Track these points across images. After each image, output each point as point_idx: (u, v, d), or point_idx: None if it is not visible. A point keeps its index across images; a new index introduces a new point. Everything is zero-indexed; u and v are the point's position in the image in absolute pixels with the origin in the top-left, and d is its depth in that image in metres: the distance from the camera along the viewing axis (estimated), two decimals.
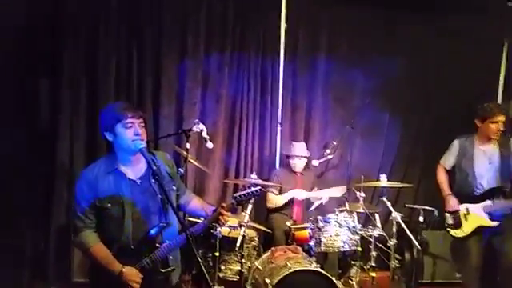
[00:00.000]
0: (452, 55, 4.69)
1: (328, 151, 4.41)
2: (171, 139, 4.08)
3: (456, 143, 3.61)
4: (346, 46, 4.70)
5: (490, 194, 3.39)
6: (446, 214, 3.52)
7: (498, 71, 4.95)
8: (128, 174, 2.17)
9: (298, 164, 4.20)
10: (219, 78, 4.39)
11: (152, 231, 2.17)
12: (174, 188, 2.31)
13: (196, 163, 3.80)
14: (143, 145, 2.12)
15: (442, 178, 3.66)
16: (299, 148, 4.24)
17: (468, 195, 3.45)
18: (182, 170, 3.60)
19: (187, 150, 3.59)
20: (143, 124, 2.18)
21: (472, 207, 3.41)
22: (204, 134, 3.64)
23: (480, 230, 3.40)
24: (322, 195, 3.96)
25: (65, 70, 3.95)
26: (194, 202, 2.45)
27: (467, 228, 3.41)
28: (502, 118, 3.35)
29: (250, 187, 2.39)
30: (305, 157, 4.24)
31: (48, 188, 3.93)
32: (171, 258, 2.22)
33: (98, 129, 3.82)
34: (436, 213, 3.75)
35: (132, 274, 2.10)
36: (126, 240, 2.13)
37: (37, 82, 3.92)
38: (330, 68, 4.65)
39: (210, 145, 3.70)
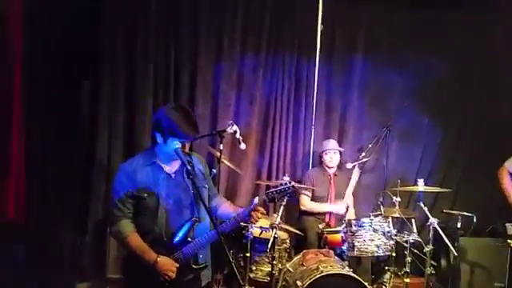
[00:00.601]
0: (490, 55, 4.51)
1: (363, 154, 4.35)
2: (205, 140, 4.14)
3: None
4: (383, 46, 4.61)
5: None
6: (508, 225, 3.35)
7: None
8: (165, 168, 2.26)
9: (332, 159, 4.16)
10: (254, 80, 4.41)
11: (185, 225, 2.23)
12: (206, 187, 2.38)
13: (229, 164, 3.84)
14: (178, 145, 2.18)
15: (508, 182, 3.45)
16: (332, 142, 4.23)
17: None
18: (214, 171, 3.65)
19: (220, 151, 3.64)
20: None
21: None
22: (237, 135, 3.67)
23: None
24: (349, 191, 3.88)
25: (105, 70, 4.09)
26: (225, 206, 2.48)
27: None
28: None
29: (281, 184, 2.39)
30: (338, 151, 4.20)
31: (86, 186, 4.08)
32: (201, 256, 2.27)
33: (135, 128, 4.05)
34: (474, 219, 3.59)
35: (167, 263, 2.16)
36: (159, 231, 2.20)
37: (78, 82, 4.07)
38: (366, 69, 4.57)
39: (243, 146, 3.72)
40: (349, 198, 4.21)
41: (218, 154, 3.66)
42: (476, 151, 4.58)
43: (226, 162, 3.80)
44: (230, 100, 4.37)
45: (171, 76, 4.24)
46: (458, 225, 3.61)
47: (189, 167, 2.14)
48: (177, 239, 2.22)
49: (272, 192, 2.37)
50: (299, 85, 4.54)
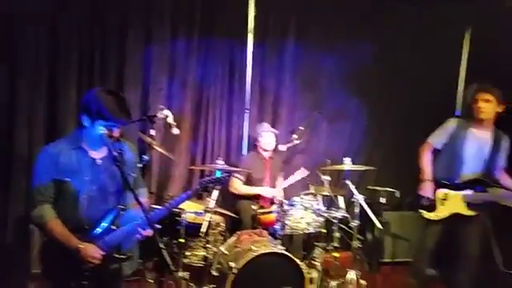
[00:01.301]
0: (417, 44, 4.81)
1: (295, 136, 4.48)
2: (136, 126, 4.02)
3: (453, 121, 3.44)
4: (315, 31, 4.72)
5: (473, 183, 3.31)
6: (421, 196, 3.43)
7: (460, 60, 5.11)
8: (91, 153, 2.20)
9: (270, 142, 4.22)
10: (186, 64, 4.33)
11: (109, 213, 2.19)
12: (134, 175, 2.33)
13: (161, 150, 3.78)
14: (104, 131, 2.12)
15: (426, 159, 3.48)
16: (266, 125, 4.29)
17: (450, 180, 3.36)
18: (146, 157, 3.57)
19: (152, 137, 3.57)
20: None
21: (452, 193, 3.34)
22: (169, 120, 3.62)
23: (452, 217, 3.35)
24: (288, 183, 3.99)
25: (23, 57, 3.80)
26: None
27: (442, 212, 3.35)
28: (485, 96, 3.21)
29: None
30: (274, 134, 4.26)
31: (5, 179, 3.81)
32: (125, 246, 2.24)
33: (57, 117, 3.83)
34: (397, 194, 3.85)
35: (91, 249, 2.10)
36: (80, 218, 2.14)
37: None
38: (298, 53, 4.67)
39: (175, 131, 3.68)
40: (279, 181, 4.34)
41: (150, 139, 3.58)
42: (398, 132, 4.90)
43: (157, 148, 3.73)
44: (162, 84, 4.27)
45: (96, 62, 4.03)
46: (382, 200, 3.84)
47: (115, 154, 2.08)
48: (100, 228, 2.17)
49: (205, 181, 2.38)
50: (232, 69, 4.54)
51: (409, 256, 4.16)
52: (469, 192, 3.31)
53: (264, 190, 4.12)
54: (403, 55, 4.89)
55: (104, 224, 2.18)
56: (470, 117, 3.35)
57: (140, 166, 2.56)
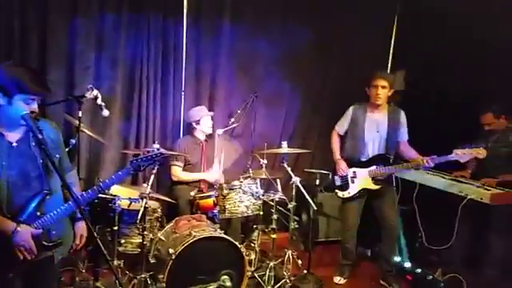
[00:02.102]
0: (350, 27, 4.94)
1: (232, 120, 4.44)
2: (61, 107, 3.73)
3: (350, 109, 3.80)
4: (250, 12, 4.64)
5: (375, 160, 3.67)
6: (335, 177, 3.79)
7: (389, 44, 5.36)
8: (6, 136, 2.00)
9: (208, 126, 4.14)
10: (115, 40, 4.06)
11: (33, 199, 2.02)
12: (58, 156, 2.16)
13: (90, 133, 3.53)
14: (26, 111, 1.94)
15: (335, 142, 3.88)
16: (201, 109, 4.18)
17: (356, 160, 3.71)
18: (73, 141, 3.35)
19: (79, 119, 3.32)
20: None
21: (359, 171, 3.70)
22: (99, 101, 3.39)
23: (364, 193, 3.72)
24: (227, 163, 3.96)
25: None
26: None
27: (353, 190, 3.71)
28: (381, 82, 3.54)
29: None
30: (211, 116, 4.18)
31: None
32: (54, 232, 2.08)
33: None
34: (331, 176, 3.98)
35: (28, 234, 1.94)
36: (1, 205, 1.96)
37: None
38: (234, 34, 4.57)
39: (105, 113, 3.46)
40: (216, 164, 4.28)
41: (77, 122, 3.33)
42: (330, 115, 5.03)
43: (86, 130, 3.48)
44: (89, 62, 3.97)
45: (15, 35, 3.64)
46: (317, 182, 3.95)
47: (39, 135, 1.91)
48: (24, 215, 1.99)
49: (137, 160, 2.24)
50: (167, 48, 4.33)
51: (340, 235, 4.35)
52: (373, 168, 3.64)
53: (207, 175, 4.05)
54: (337, 40, 5.01)
55: (29, 210, 2.00)
56: (370, 100, 3.69)
57: (66, 150, 2.35)
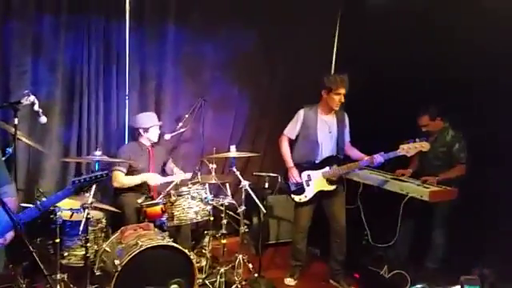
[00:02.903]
0: (294, 31, 5.03)
1: (180, 124, 4.38)
2: None
3: (301, 112, 3.80)
4: (195, 15, 4.58)
5: (328, 161, 3.73)
6: (289, 182, 3.80)
7: (332, 48, 5.52)
8: None
9: (154, 134, 4.03)
10: (54, 44, 3.87)
11: None
12: None
13: (28, 141, 3.34)
14: None
15: (286, 149, 3.87)
16: (152, 117, 4.06)
17: (310, 162, 3.75)
18: (10, 150, 3.16)
19: (15, 126, 3.14)
20: None
21: (313, 173, 3.74)
22: (36, 107, 3.24)
23: (318, 194, 3.76)
24: (174, 179, 3.87)
25: None
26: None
27: (309, 193, 3.74)
28: (343, 91, 3.59)
29: (93, 171, 2.18)
30: (159, 125, 4.09)
31: None
32: None
33: None
34: (280, 179, 4.03)
35: None
36: None
37: None
38: (179, 38, 4.50)
39: (43, 119, 3.30)
40: (172, 168, 4.22)
41: (13, 129, 3.14)
42: (279, 118, 5.10)
43: (23, 138, 3.30)
44: (26, 66, 3.76)
45: None
46: (266, 185, 3.98)
47: None
48: None
49: (79, 180, 2.15)
50: (109, 51, 4.17)
51: (290, 236, 4.42)
52: (327, 169, 3.71)
53: (150, 176, 3.90)
54: (283, 43, 5.08)
55: None
56: (325, 104, 3.73)
57: (3, 159, 2.21)
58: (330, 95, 3.63)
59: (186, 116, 4.41)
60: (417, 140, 3.46)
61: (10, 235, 2.13)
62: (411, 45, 4.33)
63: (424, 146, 3.46)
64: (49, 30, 3.84)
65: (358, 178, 4.21)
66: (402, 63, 4.35)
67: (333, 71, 5.44)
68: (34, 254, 1.91)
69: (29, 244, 1.91)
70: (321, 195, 3.78)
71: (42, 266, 1.97)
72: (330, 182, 3.73)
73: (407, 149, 3.48)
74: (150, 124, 3.99)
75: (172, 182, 3.77)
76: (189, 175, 3.93)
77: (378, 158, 3.54)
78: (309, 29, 5.08)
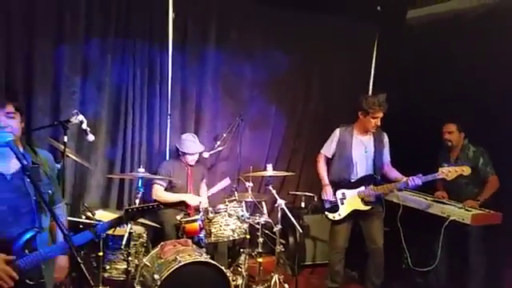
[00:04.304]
0: (332, 51, 5.08)
1: (218, 143, 4.48)
2: (47, 132, 3.70)
3: (337, 132, 3.84)
4: (234, 37, 4.73)
5: (363, 180, 3.71)
6: (324, 200, 3.80)
7: (370, 68, 5.51)
8: None
9: (194, 159, 4.16)
10: (101, 65, 4.08)
11: (22, 236, 1.96)
12: (50, 192, 2.13)
13: (75, 158, 3.52)
14: (10, 137, 1.90)
15: (322, 168, 3.90)
16: (195, 144, 4.16)
17: (345, 181, 3.74)
18: (58, 166, 3.30)
19: (65, 144, 3.30)
20: (12, 114, 1.97)
21: (348, 192, 3.73)
22: (84, 125, 3.39)
23: (353, 214, 3.73)
24: (212, 191, 3.97)
25: None
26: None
27: (343, 212, 3.73)
28: (381, 115, 3.59)
29: (145, 200, 2.27)
30: (198, 154, 4.20)
31: None
32: (43, 266, 2.04)
33: None
34: (316, 198, 4.02)
35: (2, 264, 1.86)
36: None
37: None
38: (219, 59, 4.65)
39: (91, 137, 3.46)
40: (203, 189, 4.31)
41: (62, 147, 3.32)
42: (314, 138, 5.12)
43: (71, 155, 3.47)
44: (75, 87, 3.98)
45: (2, 62, 3.64)
46: (302, 204, 3.98)
47: (25, 162, 1.87)
48: (12, 252, 1.94)
49: (132, 209, 2.25)
50: (152, 73, 4.36)
51: (327, 258, 4.36)
52: (362, 188, 3.69)
53: (189, 197, 4.03)
54: (320, 63, 5.13)
55: (17, 248, 1.95)
56: (361, 125, 3.73)
57: (57, 168, 2.35)
58: (367, 118, 3.63)
59: (224, 135, 4.51)
60: (458, 164, 3.38)
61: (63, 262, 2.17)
62: (450, 65, 4.27)
63: (465, 169, 3.38)
64: (97, 53, 4.05)
65: (397, 199, 4.10)
66: (440, 83, 4.29)
67: (370, 91, 5.42)
68: (81, 265, 1.97)
69: (77, 256, 1.98)
70: (357, 215, 3.74)
71: (90, 278, 2.03)
72: (365, 202, 3.70)
73: (447, 172, 3.41)
74: (190, 151, 4.11)
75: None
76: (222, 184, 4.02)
77: (416, 180, 3.48)
78: (346, 49, 5.11)
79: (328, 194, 3.77)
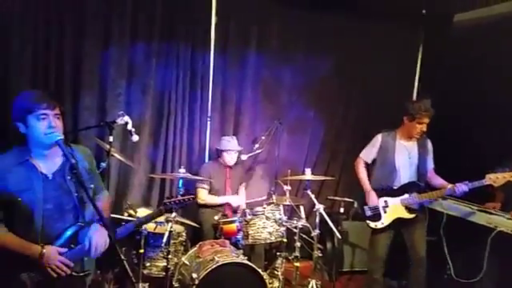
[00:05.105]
0: (373, 56, 4.99)
1: (257, 146, 4.50)
2: (93, 132, 3.86)
3: (379, 137, 3.71)
4: (274, 42, 4.77)
5: (407, 187, 3.57)
6: (365, 207, 3.66)
7: (414, 73, 5.37)
8: (40, 168, 2.04)
9: (233, 158, 4.21)
10: (146, 68, 4.22)
11: (67, 231, 2.06)
12: (92, 186, 2.20)
13: (120, 157, 3.64)
14: (60, 136, 1.99)
15: (363, 172, 3.77)
16: (231, 143, 4.23)
17: (387, 188, 3.61)
18: (104, 165, 3.45)
19: (110, 144, 3.42)
20: (59, 115, 2.06)
21: (390, 200, 3.59)
22: (129, 126, 3.49)
23: (396, 222, 3.59)
24: (254, 198, 4.02)
25: None
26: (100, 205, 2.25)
27: (386, 220, 3.58)
28: (427, 121, 3.47)
29: (183, 194, 2.34)
30: (237, 151, 4.25)
31: None
32: (86, 259, 2.12)
33: (9, 124, 3.57)
34: (355, 204, 3.93)
35: (54, 252, 1.97)
36: (36, 238, 1.99)
37: None
38: (259, 63, 4.69)
39: (135, 138, 3.55)
40: (242, 192, 4.34)
41: (108, 146, 3.44)
42: (354, 142, 5.04)
43: (116, 155, 3.60)
44: (121, 89, 4.13)
45: (52, 64, 3.83)
46: (341, 210, 3.91)
47: (73, 161, 1.95)
48: (58, 246, 2.03)
49: (170, 202, 2.32)
50: (194, 76, 4.47)
51: (365, 266, 4.27)
52: (406, 196, 3.55)
53: (231, 199, 4.10)
54: (361, 68, 5.05)
55: (61, 242, 2.04)
56: (405, 130, 3.61)
57: (101, 170, 2.44)
58: (413, 123, 3.52)
59: (263, 138, 4.53)
60: (506, 169, 3.20)
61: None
62: (497, 68, 4.09)
63: None
64: (142, 56, 4.19)
65: (441, 207, 3.96)
66: (487, 88, 4.12)
67: (415, 96, 5.28)
68: (124, 262, 1.99)
69: (120, 252, 2.03)
70: (399, 224, 3.62)
71: (132, 274, 2.08)
72: (409, 209, 3.57)
73: (494, 178, 3.24)
74: (227, 147, 4.17)
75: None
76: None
77: (462, 187, 3.33)
78: (389, 53, 5.01)
79: (373, 199, 3.63)
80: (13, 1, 3.63)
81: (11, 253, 1.94)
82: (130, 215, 3.40)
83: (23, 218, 1.99)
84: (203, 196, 4.07)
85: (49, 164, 2.07)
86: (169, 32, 4.30)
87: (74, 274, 2.06)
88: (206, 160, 4.56)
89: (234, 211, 4.03)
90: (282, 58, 4.76)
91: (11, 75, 3.68)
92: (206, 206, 4.06)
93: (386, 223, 3.60)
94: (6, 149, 2.07)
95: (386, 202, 3.62)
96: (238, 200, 4.10)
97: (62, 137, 2.01)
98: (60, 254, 2.01)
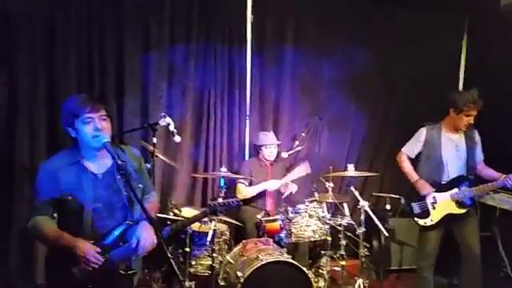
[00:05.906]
0: (415, 47, 4.81)
1: (297, 143, 4.45)
2: (137, 134, 3.96)
3: (424, 131, 3.56)
4: (312, 37, 4.70)
5: (456, 181, 3.42)
6: (413, 204, 3.51)
7: (459, 62, 5.13)
8: (90, 168, 2.12)
9: (272, 153, 4.20)
10: (185, 70, 4.27)
11: (116, 229, 2.11)
12: (141, 186, 2.25)
13: (163, 158, 3.72)
14: (107, 139, 2.05)
15: (408, 165, 3.62)
16: (270, 137, 4.23)
17: (435, 183, 3.46)
18: (148, 165, 3.52)
19: (154, 145, 3.52)
20: (105, 117, 2.11)
21: (439, 196, 3.43)
22: (171, 127, 3.57)
23: (446, 219, 3.43)
24: (292, 177, 3.97)
25: (20, 64, 3.69)
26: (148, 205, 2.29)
27: (435, 217, 3.43)
28: (475, 113, 3.33)
29: (227, 198, 2.36)
30: (276, 145, 4.23)
31: (8, 189, 3.70)
32: (133, 258, 2.16)
33: (58, 126, 3.74)
34: (402, 200, 3.79)
35: (87, 247, 2.01)
36: (86, 236, 2.06)
37: None
38: (296, 59, 4.64)
39: (177, 139, 3.63)
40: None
41: (152, 147, 3.53)
42: (398, 137, 4.86)
43: (160, 155, 3.68)
44: (162, 92, 4.21)
45: (96, 69, 3.95)
46: (387, 207, 3.79)
47: (119, 162, 1.99)
48: (107, 244, 2.09)
49: (215, 204, 2.35)
50: (232, 75, 4.48)
51: (414, 263, 4.12)
52: (455, 190, 3.39)
53: (269, 184, 4.06)
54: (402, 60, 4.88)
55: (111, 240, 2.10)
56: (451, 123, 3.44)
57: (147, 168, 2.49)
58: (460, 116, 3.36)
59: (303, 135, 4.47)
60: None
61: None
62: None
63: None
64: (181, 58, 4.25)
65: (493, 201, 3.77)
66: None
67: (461, 87, 5.04)
68: (172, 260, 2.01)
69: (167, 251, 2.05)
70: (450, 219, 3.45)
71: (179, 273, 2.11)
72: (459, 204, 3.40)
73: None
74: (265, 142, 4.17)
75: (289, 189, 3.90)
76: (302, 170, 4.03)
77: None
78: (431, 42, 4.81)
79: (425, 187, 3.45)
80: (53, 5, 3.75)
81: (63, 249, 2.02)
82: (175, 215, 3.46)
83: (73, 217, 2.07)
84: (242, 190, 4.06)
85: (99, 164, 2.14)
86: (206, 32, 4.34)
87: (121, 272, 2.11)
88: (246, 157, 4.56)
89: (279, 199, 3.96)
90: (320, 52, 4.67)
91: (57, 83, 3.82)
92: (247, 203, 4.04)
93: (435, 220, 3.45)
94: (58, 150, 2.17)
95: (434, 198, 3.46)
96: (275, 183, 4.04)
97: (109, 139, 2.06)
98: (97, 251, 2.04)
